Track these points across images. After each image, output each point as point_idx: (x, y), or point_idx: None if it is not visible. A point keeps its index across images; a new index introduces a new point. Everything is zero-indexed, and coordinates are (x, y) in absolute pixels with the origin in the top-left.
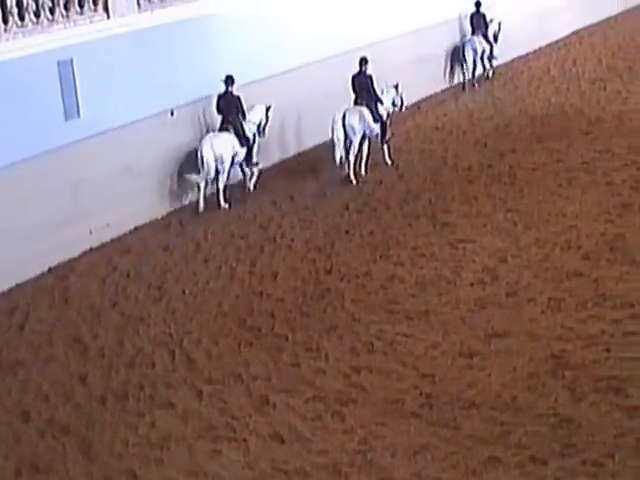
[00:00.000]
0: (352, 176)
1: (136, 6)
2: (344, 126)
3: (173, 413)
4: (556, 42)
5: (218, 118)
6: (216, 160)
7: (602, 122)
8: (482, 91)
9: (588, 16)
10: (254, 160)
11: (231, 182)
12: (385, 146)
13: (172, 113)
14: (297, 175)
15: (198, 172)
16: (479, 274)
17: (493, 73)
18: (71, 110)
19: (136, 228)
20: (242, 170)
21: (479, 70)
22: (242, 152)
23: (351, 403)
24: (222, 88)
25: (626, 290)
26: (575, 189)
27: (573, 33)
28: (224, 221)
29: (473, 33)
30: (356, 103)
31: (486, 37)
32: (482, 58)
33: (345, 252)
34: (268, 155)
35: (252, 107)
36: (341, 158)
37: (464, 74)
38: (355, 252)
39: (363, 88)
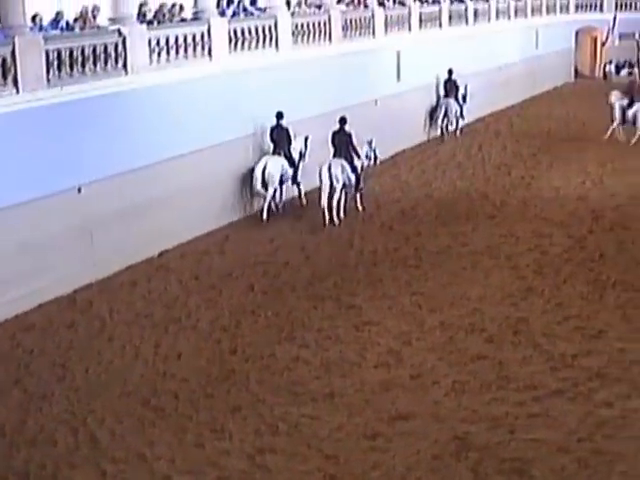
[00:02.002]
0: (335, 219)
1: (45, 81)
2: (330, 176)
3: None
4: (461, 128)
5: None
6: (269, 176)
7: (506, 207)
8: (388, 175)
9: (494, 103)
10: (298, 179)
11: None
12: (358, 194)
13: (79, 190)
14: (203, 255)
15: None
16: (384, 356)
17: (461, 130)
18: None
19: (40, 305)
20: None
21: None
22: (290, 171)
23: None
24: (274, 122)
25: (529, 373)
26: (479, 273)
27: (479, 120)
28: (129, 300)
29: (446, 96)
30: (335, 156)
31: (457, 99)
32: (455, 116)
33: (250, 333)
34: (173, 236)
35: (295, 137)
36: (324, 204)
37: (441, 128)
38: (260, 333)
39: (342, 143)
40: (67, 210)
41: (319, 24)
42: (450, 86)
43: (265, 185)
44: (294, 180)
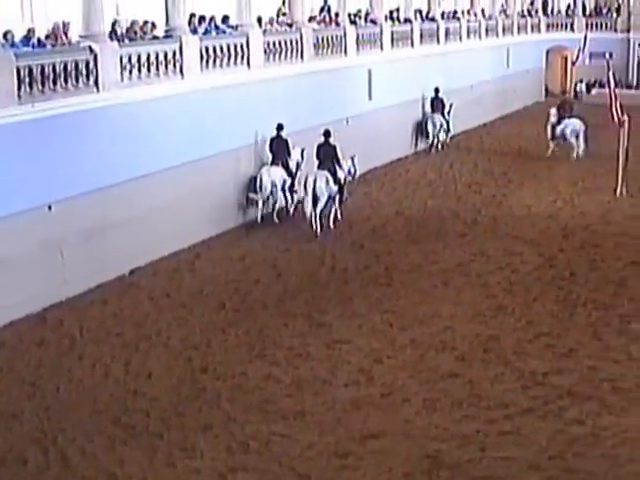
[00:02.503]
0: (324, 227)
1: (17, 98)
2: (314, 188)
3: None
4: (436, 145)
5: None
6: (271, 183)
7: (477, 225)
8: (359, 193)
9: (465, 121)
10: (295, 188)
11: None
12: (340, 205)
13: (50, 208)
14: (174, 273)
15: (256, 193)
16: (354, 375)
17: (447, 144)
18: None
19: (11, 323)
20: (285, 196)
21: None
22: (288, 180)
23: None
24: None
25: (500, 391)
26: (450, 291)
27: (451, 138)
28: (99, 318)
29: (433, 112)
30: (319, 168)
31: (443, 115)
32: (442, 130)
33: (221, 351)
34: (144, 254)
35: (293, 148)
36: (310, 214)
37: (427, 142)
38: (231, 351)
39: (327, 156)
40: (37, 228)
41: (291, 42)
42: (437, 102)
43: (264, 191)
44: (291, 189)
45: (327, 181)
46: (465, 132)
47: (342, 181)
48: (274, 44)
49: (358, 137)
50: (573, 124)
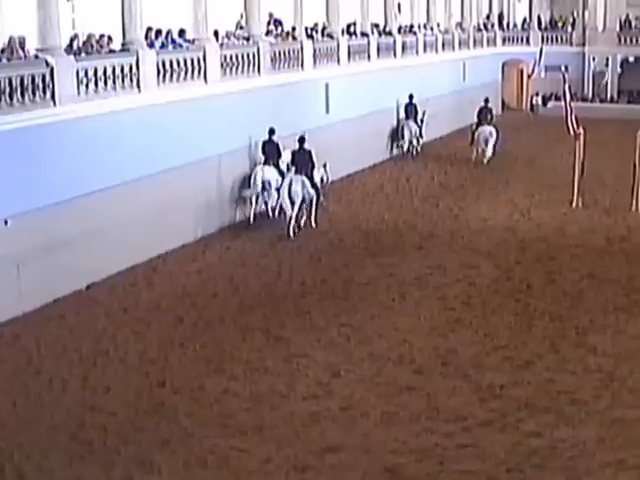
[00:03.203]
0: (294, 230)
1: None
2: (289, 192)
3: None
4: (391, 159)
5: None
6: (264, 182)
7: (434, 238)
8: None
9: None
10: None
11: None
12: (315, 209)
13: (6, 222)
14: (131, 288)
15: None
16: (312, 388)
17: (421, 148)
18: None
19: None
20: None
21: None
22: (280, 179)
23: None
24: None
25: (458, 403)
26: (408, 304)
27: (406, 151)
28: (56, 333)
29: (407, 118)
30: (296, 173)
31: (416, 121)
32: (415, 136)
33: (179, 366)
34: (104, 268)
35: (283, 151)
36: (290, 217)
37: (401, 147)
38: (189, 366)
39: (303, 161)
40: None
41: (248, 56)
42: (410, 109)
43: (257, 188)
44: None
45: (303, 185)
46: (422, 145)
47: (319, 185)
48: (231, 58)
49: (316, 150)
50: (485, 131)
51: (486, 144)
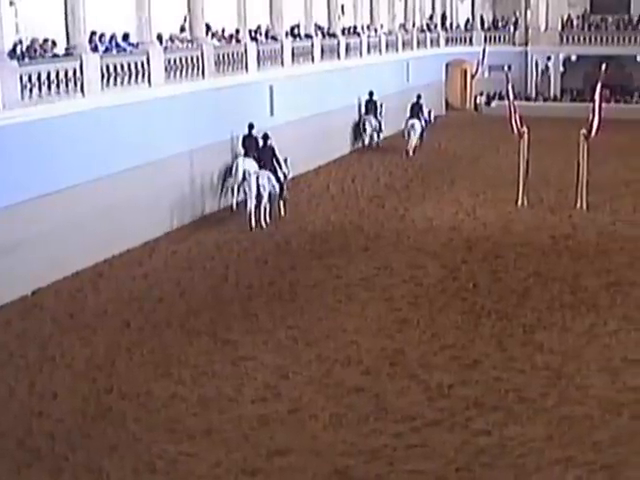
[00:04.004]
0: (262, 222)
1: None
2: (258, 186)
3: None
4: (335, 160)
5: None
6: (244, 171)
7: (380, 239)
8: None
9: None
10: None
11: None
12: (281, 202)
13: None
14: (77, 293)
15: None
16: (261, 391)
17: (380, 143)
18: None
19: None
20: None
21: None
22: (259, 172)
23: None
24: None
25: (407, 403)
26: (355, 305)
27: (352, 151)
28: (2, 339)
29: (367, 114)
30: (261, 169)
31: (376, 116)
32: (374, 130)
33: (126, 371)
34: (50, 273)
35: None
36: (250, 211)
37: (363, 141)
38: (136, 370)
39: (267, 157)
40: None
41: (192, 59)
42: (370, 105)
43: (237, 177)
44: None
45: (269, 180)
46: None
47: (282, 179)
48: (175, 61)
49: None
50: (410, 123)
51: (409, 135)
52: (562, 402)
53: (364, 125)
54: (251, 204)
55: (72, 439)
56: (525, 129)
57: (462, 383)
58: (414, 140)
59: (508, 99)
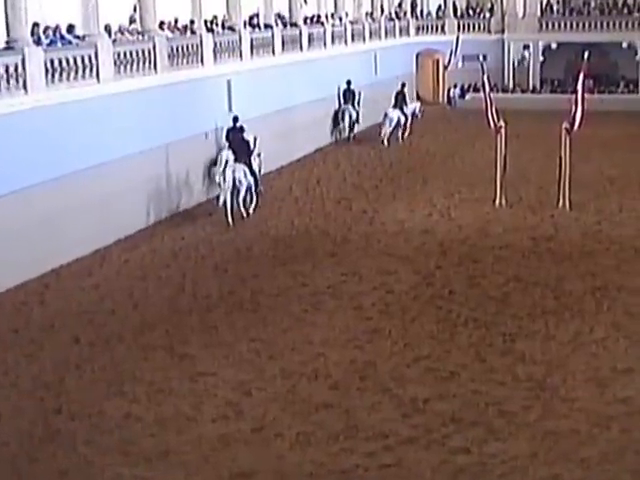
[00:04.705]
0: (244, 214)
1: None
2: (233, 179)
3: None
4: (299, 160)
5: None
6: (227, 162)
7: (348, 243)
8: (220, 213)
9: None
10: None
11: None
12: (255, 196)
13: None
14: (22, 306)
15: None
16: (222, 409)
17: (355, 135)
18: None
19: None
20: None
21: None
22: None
23: None
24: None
25: (379, 420)
26: (322, 315)
27: (317, 150)
28: None
29: (346, 103)
30: (236, 161)
31: (354, 106)
32: (352, 121)
33: (76, 389)
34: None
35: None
36: (225, 204)
37: (341, 132)
38: (87, 389)
39: (242, 150)
40: None
41: (143, 52)
42: (348, 94)
43: (220, 166)
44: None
45: (245, 173)
46: (332, 145)
47: (257, 173)
48: (124, 55)
49: (217, 152)
50: (387, 112)
51: (396, 126)
52: (546, 416)
53: (342, 115)
54: (226, 198)
55: (18, 464)
56: (502, 123)
57: (438, 397)
58: (387, 129)
59: (484, 91)
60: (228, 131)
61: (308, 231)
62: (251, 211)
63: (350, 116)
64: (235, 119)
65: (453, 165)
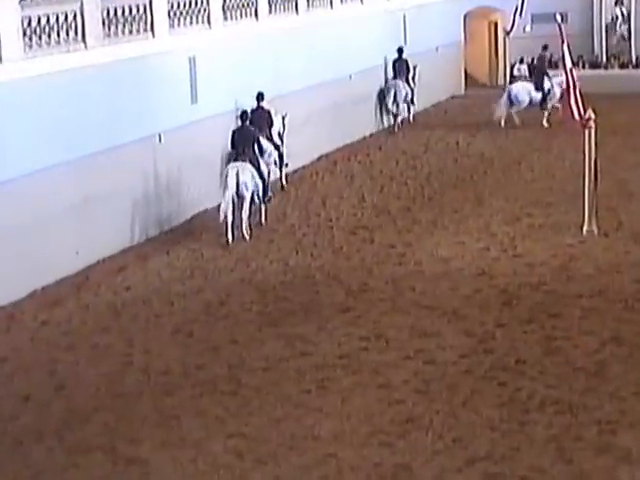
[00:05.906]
0: (245, 234)
1: None
2: (237, 184)
3: None
4: (296, 171)
5: None
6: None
7: (368, 292)
8: (181, 248)
9: (340, 134)
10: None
11: None
12: (264, 206)
13: None
14: None
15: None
16: None
17: (414, 117)
18: None
19: None
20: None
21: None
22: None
23: None
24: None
25: None
26: (331, 397)
27: (321, 157)
28: None
29: (395, 78)
30: (237, 160)
31: (408, 82)
32: (405, 101)
33: None
34: None
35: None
36: (226, 216)
37: (391, 116)
38: None
39: (246, 144)
40: None
41: (66, 19)
42: (400, 66)
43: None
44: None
45: (252, 175)
46: (341, 150)
47: (266, 175)
48: (39, 22)
49: (179, 161)
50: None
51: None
52: None
53: (392, 95)
54: (226, 208)
55: None
56: (591, 114)
57: None
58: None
59: (564, 67)
60: (235, 128)
61: (310, 275)
62: (262, 222)
63: (400, 95)
64: (259, 97)
65: (519, 176)
